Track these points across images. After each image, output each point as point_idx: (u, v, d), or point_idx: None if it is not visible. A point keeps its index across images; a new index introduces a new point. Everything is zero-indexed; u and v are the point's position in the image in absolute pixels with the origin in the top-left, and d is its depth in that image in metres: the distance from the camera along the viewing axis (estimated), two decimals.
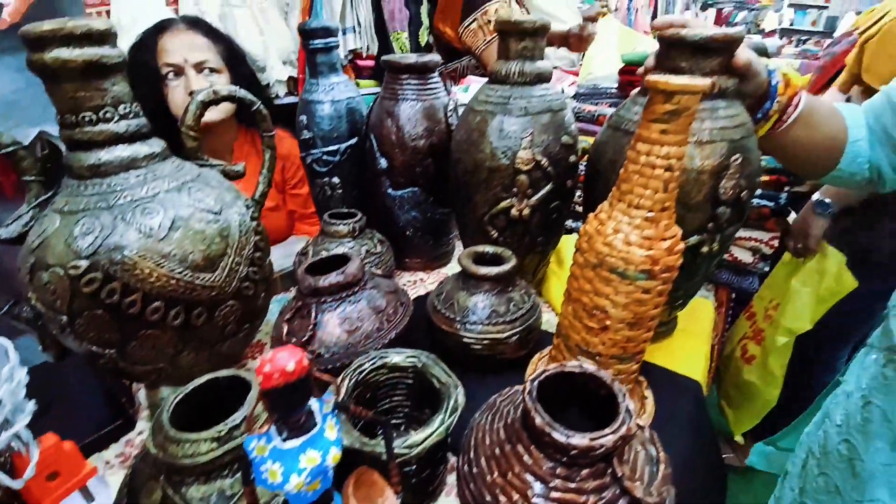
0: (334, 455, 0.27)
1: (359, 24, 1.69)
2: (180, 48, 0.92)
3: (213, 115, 0.96)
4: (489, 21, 1.33)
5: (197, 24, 0.98)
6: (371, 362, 0.48)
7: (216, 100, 0.56)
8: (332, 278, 0.53)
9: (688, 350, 0.67)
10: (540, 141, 0.59)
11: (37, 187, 0.47)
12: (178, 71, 0.92)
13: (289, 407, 0.26)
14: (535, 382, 0.37)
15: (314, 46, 0.74)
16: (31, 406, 0.38)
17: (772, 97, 0.52)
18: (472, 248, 0.62)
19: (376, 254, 0.73)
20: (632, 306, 0.45)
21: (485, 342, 0.57)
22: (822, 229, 0.95)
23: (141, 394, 0.60)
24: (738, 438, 1.30)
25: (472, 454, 0.39)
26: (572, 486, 0.33)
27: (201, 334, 0.51)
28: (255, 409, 0.26)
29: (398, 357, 0.49)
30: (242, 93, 0.58)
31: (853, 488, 0.59)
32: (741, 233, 0.80)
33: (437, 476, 0.45)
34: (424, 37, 2.13)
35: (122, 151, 0.47)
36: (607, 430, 0.33)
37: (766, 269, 0.82)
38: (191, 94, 0.91)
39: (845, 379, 0.65)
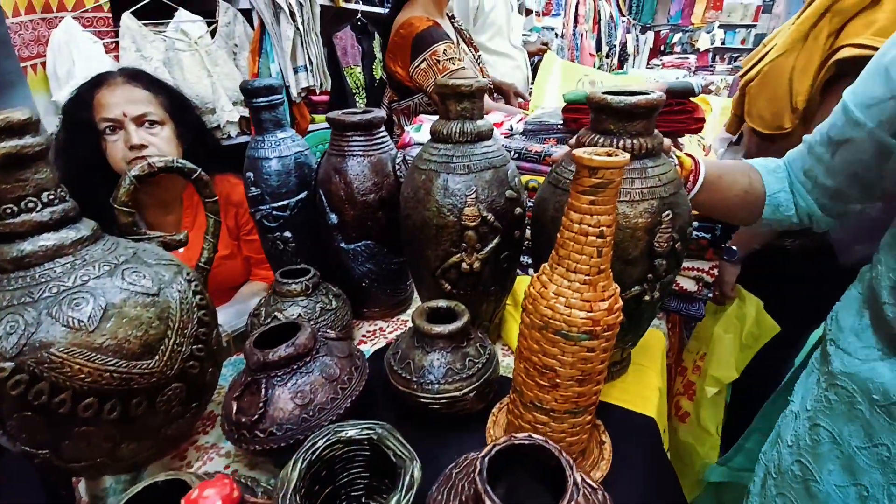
0: None
1: (310, 62, 1.70)
2: (119, 102, 0.90)
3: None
4: (438, 60, 1.36)
5: (136, 76, 0.96)
6: (325, 439, 0.47)
7: (152, 173, 0.54)
8: (282, 351, 0.52)
9: (642, 385, 0.69)
10: (485, 197, 0.60)
11: None
12: (117, 125, 0.90)
13: None
14: (485, 460, 0.37)
15: (258, 104, 0.74)
16: None
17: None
18: (426, 304, 0.62)
19: (331, 310, 0.72)
20: (578, 364, 0.46)
21: (442, 401, 0.57)
22: (734, 275, 0.97)
23: (82, 486, 0.56)
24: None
25: None
26: None
27: (142, 423, 0.48)
28: None
29: (353, 430, 0.48)
30: (181, 163, 0.57)
31: None
32: (684, 263, 0.84)
33: None
34: (379, 71, 2.16)
35: (46, 240, 0.45)
36: None
37: (710, 294, 0.87)
38: (131, 148, 0.89)
39: (792, 399, 0.69)
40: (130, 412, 0.46)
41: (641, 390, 0.68)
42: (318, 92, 1.81)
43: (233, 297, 1.09)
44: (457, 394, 0.56)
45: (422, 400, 0.57)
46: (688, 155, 0.62)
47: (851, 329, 0.60)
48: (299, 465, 0.44)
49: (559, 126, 1.02)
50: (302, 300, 0.70)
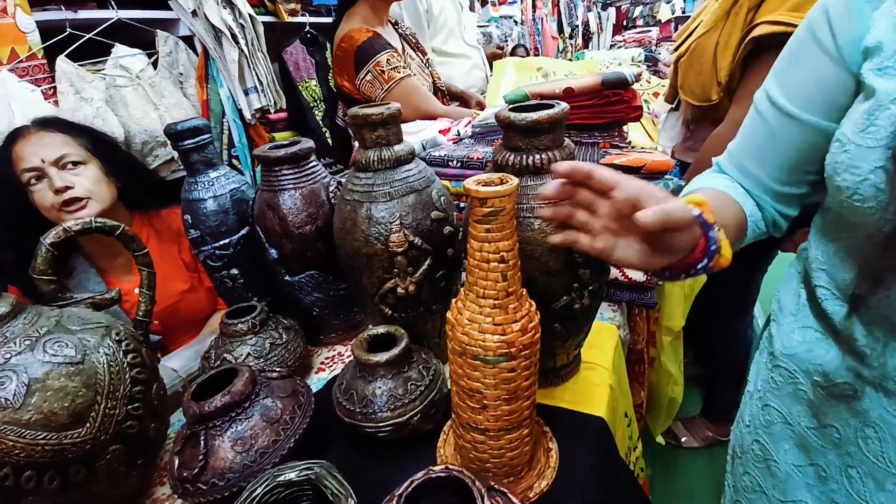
0: None
1: (260, 82, 1.68)
2: (35, 150, 0.89)
3: (90, 210, 0.92)
4: (383, 71, 1.35)
5: (50, 123, 0.95)
6: (264, 485, 0.48)
7: (68, 238, 0.54)
8: (217, 401, 0.53)
9: (591, 384, 0.71)
10: (409, 221, 0.61)
11: None
12: (40, 174, 0.89)
13: None
14: (402, 497, 0.38)
15: (185, 147, 0.73)
16: None
17: (709, 256, 0.44)
18: (366, 332, 0.63)
19: (282, 344, 0.72)
20: (502, 385, 0.47)
21: (388, 429, 0.57)
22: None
23: None
24: (659, 439, 1.38)
25: None
26: None
27: (86, 489, 0.49)
28: None
29: (293, 473, 0.49)
30: (99, 222, 0.57)
31: (774, 487, 0.62)
32: None
33: None
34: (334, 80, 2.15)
35: None
36: None
37: (660, 282, 0.88)
38: (56, 192, 0.88)
39: (749, 378, 0.70)
40: (70, 479, 0.47)
41: (590, 389, 0.69)
42: (273, 111, 1.80)
43: (202, 328, 1.10)
44: (400, 419, 0.57)
45: (367, 430, 0.58)
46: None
47: (790, 309, 0.60)
48: None
49: None
50: (250, 339, 0.71)
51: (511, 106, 0.56)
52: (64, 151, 0.90)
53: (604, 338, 0.80)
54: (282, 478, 0.49)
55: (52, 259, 0.54)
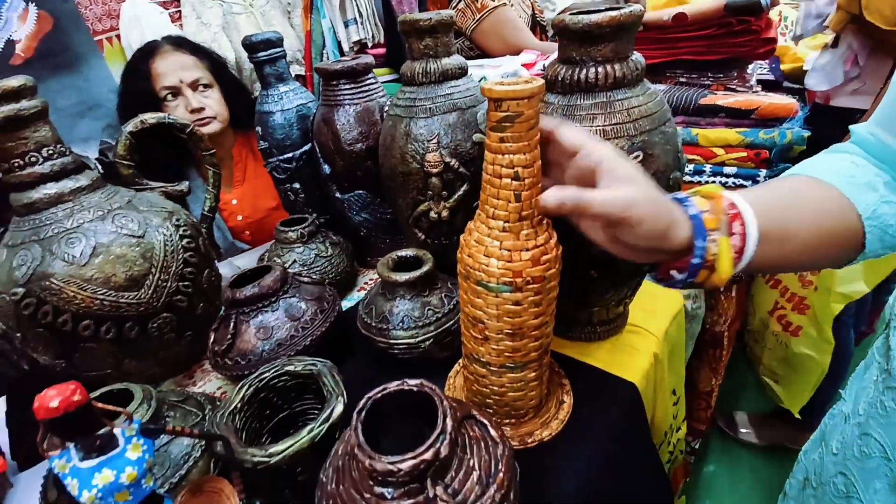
0: (129, 473, 0.30)
1: (360, 14, 1.69)
2: (173, 70, 1.00)
3: (212, 128, 1.04)
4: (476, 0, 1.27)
5: (181, 43, 1.05)
6: (273, 371, 0.51)
7: (144, 129, 0.60)
8: (248, 290, 0.57)
9: (633, 349, 0.63)
10: (448, 142, 0.57)
11: None
12: (176, 92, 1.01)
13: (73, 434, 0.29)
14: (362, 413, 0.37)
15: (259, 59, 0.76)
16: None
17: (696, 245, 0.34)
18: (394, 252, 0.63)
19: (326, 257, 0.75)
20: (505, 318, 0.44)
21: (399, 347, 0.58)
22: None
23: None
24: (797, 414, 1.25)
25: (328, 463, 0.41)
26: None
27: (138, 345, 0.57)
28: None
29: (300, 365, 0.52)
30: (172, 119, 0.63)
31: None
32: None
33: None
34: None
35: (49, 189, 0.53)
36: (408, 455, 0.33)
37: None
38: (191, 111, 1.00)
39: (845, 395, 0.57)
40: (124, 334, 0.55)
41: (630, 354, 0.62)
42: (370, 45, 1.81)
43: None
44: (412, 341, 0.57)
45: (380, 345, 0.58)
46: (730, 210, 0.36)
47: None
48: (244, 390, 0.49)
49: None
50: (298, 247, 0.75)
51: (574, 9, 0.48)
52: (199, 75, 1.01)
53: (662, 303, 0.70)
54: (290, 367, 0.52)
55: (131, 146, 0.61)
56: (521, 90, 0.35)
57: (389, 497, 0.34)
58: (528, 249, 0.41)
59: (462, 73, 0.59)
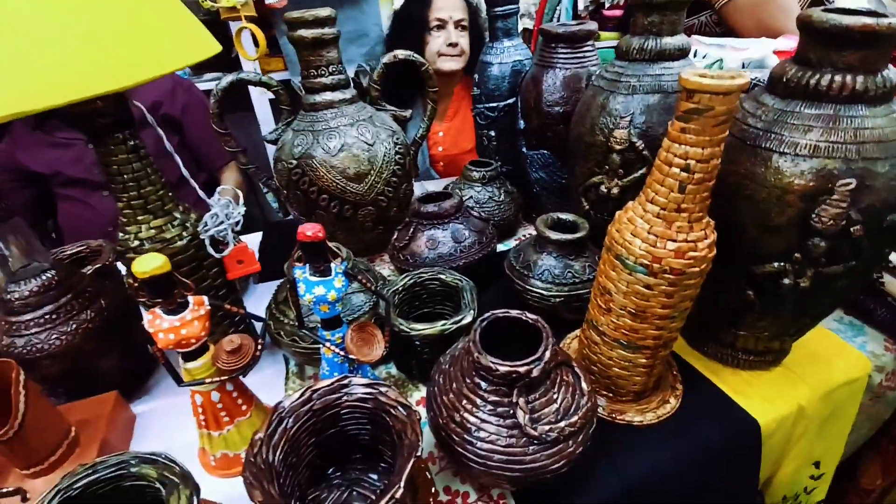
0: (332, 294, 0.46)
1: None
2: (447, 7, 1.22)
3: (451, 64, 1.23)
4: None
5: None
6: (430, 274, 0.65)
7: (394, 63, 0.76)
8: (429, 207, 0.70)
9: (776, 391, 0.57)
10: (641, 122, 0.58)
11: (286, 113, 0.79)
12: (442, 25, 1.21)
13: (311, 257, 0.45)
14: (480, 325, 0.46)
15: (495, 13, 0.85)
16: (239, 216, 0.66)
17: None
18: (555, 213, 0.68)
19: (497, 202, 0.85)
20: (632, 296, 0.46)
21: (534, 295, 0.65)
22: None
23: None
24: None
25: (448, 352, 0.52)
26: (485, 399, 0.43)
27: (349, 223, 0.77)
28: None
29: (449, 277, 0.64)
30: (415, 57, 0.77)
31: None
32: None
33: None
34: None
35: (326, 96, 0.73)
36: (507, 363, 0.41)
37: None
38: (450, 45, 1.20)
39: None
40: (343, 213, 0.75)
41: (769, 392, 0.57)
42: (607, 5, 1.74)
43: None
44: (545, 293, 0.64)
45: (517, 287, 0.66)
46: None
47: None
48: (406, 279, 0.64)
49: None
50: (478, 187, 0.86)
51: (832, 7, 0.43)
52: (463, 16, 1.23)
53: (841, 360, 0.61)
54: (442, 276, 0.64)
55: (382, 74, 0.78)
56: (716, 85, 0.35)
57: (483, 389, 0.43)
58: (674, 241, 0.42)
59: (681, 55, 0.57)
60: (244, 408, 0.51)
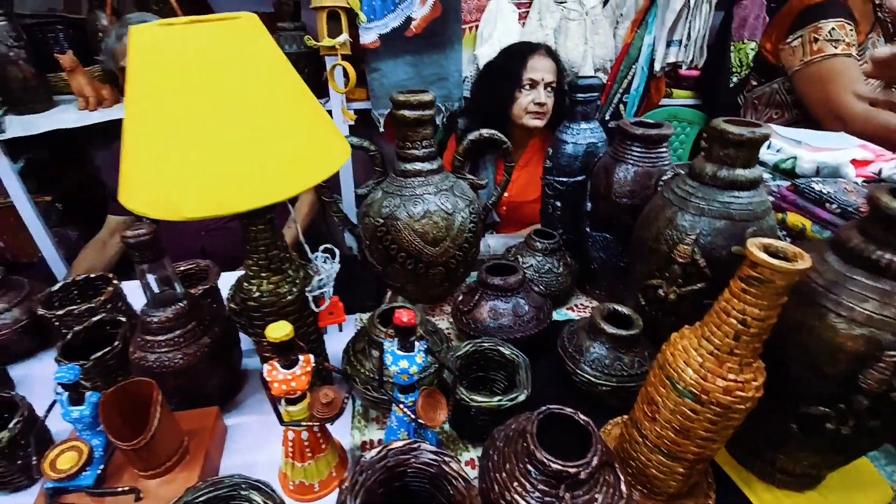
0: (413, 369, 0.54)
1: (688, 37, 1.65)
2: (541, 69, 1.31)
3: (536, 122, 1.33)
4: (816, 39, 1.11)
5: (550, 51, 1.35)
6: (490, 344, 0.72)
7: (480, 140, 0.84)
8: (496, 280, 0.77)
9: None
10: (705, 242, 0.63)
11: (378, 174, 0.88)
12: (533, 85, 1.30)
13: (402, 336, 0.53)
14: (537, 418, 0.52)
15: (576, 98, 0.92)
16: (335, 272, 0.77)
17: None
18: (611, 304, 0.73)
19: (555, 273, 0.91)
20: (678, 415, 0.51)
21: (583, 380, 0.70)
22: None
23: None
24: None
25: (502, 427, 0.58)
26: (534, 486, 0.50)
27: (420, 278, 0.85)
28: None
29: (507, 350, 0.70)
30: (497, 136, 0.85)
31: None
32: None
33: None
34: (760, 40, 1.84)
35: (416, 166, 0.81)
36: (560, 461, 0.47)
37: None
38: (537, 104, 1.29)
39: None
40: (417, 270, 0.83)
41: None
42: (685, 67, 1.76)
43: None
44: (592, 380, 0.69)
45: (567, 368, 0.72)
46: None
47: None
48: (468, 347, 0.71)
49: None
50: (538, 256, 0.92)
51: None
52: (553, 79, 1.33)
53: (866, 488, 0.63)
54: (501, 348, 0.71)
55: (466, 149, 0.86)
56: (779, 265, 0.40)
57: (533, 476, 0.50)
58: (724, 378, 0.47)
59: (752, 186, 0.62)
60: (324, 446, 0.60)
